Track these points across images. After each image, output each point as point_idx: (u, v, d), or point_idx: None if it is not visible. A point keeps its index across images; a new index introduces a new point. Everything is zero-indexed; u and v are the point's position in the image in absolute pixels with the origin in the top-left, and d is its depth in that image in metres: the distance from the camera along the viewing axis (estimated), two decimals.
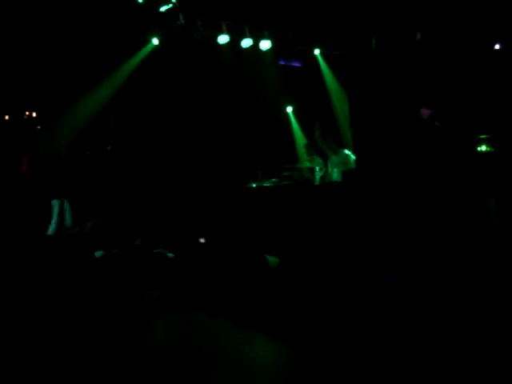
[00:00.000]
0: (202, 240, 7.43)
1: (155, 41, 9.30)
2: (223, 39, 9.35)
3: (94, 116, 9.17)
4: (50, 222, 8.34)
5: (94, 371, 3.39)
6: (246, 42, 9.54)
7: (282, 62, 10.44)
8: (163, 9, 8.43)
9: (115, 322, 4.60)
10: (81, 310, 5.02)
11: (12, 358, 3.61)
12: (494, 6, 6.29)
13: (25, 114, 9.10)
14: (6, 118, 8.98)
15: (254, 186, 7.38)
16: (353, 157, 7.44)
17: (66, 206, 8.41)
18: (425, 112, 5.51)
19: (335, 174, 6.96)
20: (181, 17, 8.81)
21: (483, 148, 5.64)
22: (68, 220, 8.36)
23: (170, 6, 8.39)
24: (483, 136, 5.73)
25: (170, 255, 7.44)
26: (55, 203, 8.34)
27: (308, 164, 7.90)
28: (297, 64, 10.67)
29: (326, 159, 7.92)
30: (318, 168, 7.14)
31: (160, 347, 3.90)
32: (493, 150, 5.42)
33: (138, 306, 5.26)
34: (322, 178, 6.95)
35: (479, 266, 4.54)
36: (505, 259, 4.57)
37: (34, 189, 8.69)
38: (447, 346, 3.53)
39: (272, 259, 6.33)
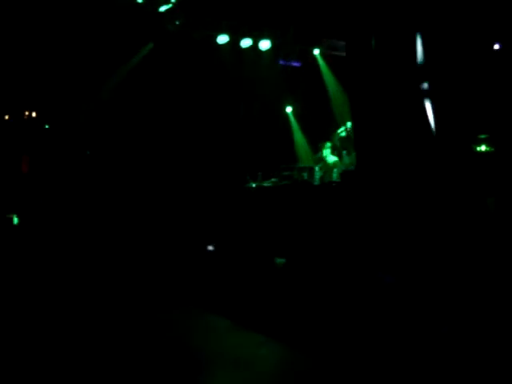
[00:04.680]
0: (211, 247, 7.37)
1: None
2: (223, 39, 9.34)
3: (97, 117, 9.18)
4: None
5: (96, 370, 3.40)
6: (246, 42, 9.53)
7: (281, 62, 10.43)
8: (163, 9, 8.42)
9: (116, 322, 4.60)
10: (83, 308, 5.03)
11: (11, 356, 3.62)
12: (493, 5, 6.29)
13: (25, 114, 9.10)
14: (6, 117, 8.98)
15: (254, 185, 7.38)
16: None
17: None
18: None
19: (335, 174, 6.96)
20: (181, 17, 8.81)
21: (483, 148, 5.64)
22: None
23: (170, 5, 8.38)
24: (483, 136, 5.73)
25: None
26: None
27: (332, 159, 7.76)
28: (297, 64, 10.66)
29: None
30: (317, 168, 7.14)
31: (160, 347, 3.90)
32: (492, 149, 5.42)
33: (139, 305, 5.26)
34: (322, 178, 6.95)
35: (479, 265, 4.54)
36: (504, 259, 4.56)
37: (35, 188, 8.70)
38: (446, 345, 3.53)
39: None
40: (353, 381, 3.20)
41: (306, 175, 7.19)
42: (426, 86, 5.54)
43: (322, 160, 7.89)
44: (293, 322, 4.33)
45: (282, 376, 3.34)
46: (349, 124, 8.20)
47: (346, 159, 7.68)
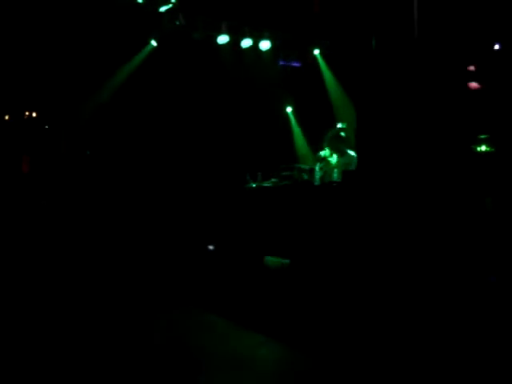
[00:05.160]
0: (211, 247, 7.38)
1: (154, 42, 9.32)
2: (223, 39, 9.35)
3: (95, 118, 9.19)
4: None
5: (95, 370, 3.40)
6: (246, 42, 9.54)
7: (281, 62, 10.44)
8: (163, 9, 8.43)
9: (116, 322, 4.60)
10: (83, 308, 5.03)
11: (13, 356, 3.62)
12: (494, 6, 6.28)
13: (25, 113, 9.10)
14: (6, 118, 8.98)
15: (254, 186, 7.37)
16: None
17: None
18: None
19: (335, 174, 6.96)
20: (181, 17, 8.82)
21: (483, 148, 5.63)
22: None
23: (170, 5, 8.39)
24: (483, 136, 5.72)
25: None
26: None
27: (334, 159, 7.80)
28: (297, 64, 10.68)
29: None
30: (317, 168, 7.14)
31: (160, 347, 3.90)
32: (492, 149, 5.41)
33: (139, 305, 5.26)
34: (322, 178, 6.95)
35: (478, 266, 4.54)
36: (503, 259, 4.56)
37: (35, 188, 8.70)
38: (445, 345, 3.53)
39: (272, 260, 6.33)
40: (353, 381, 3.20)
41: (306, 175, 7.19)
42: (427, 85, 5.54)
43: (323, 160, 7.90)
44: (293, 322, 4.33)
45: (282, 376, 3.34)
46: (339, 125, 8.23)
47: (341, 159, 7.72)
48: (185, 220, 8.09)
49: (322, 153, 7.98)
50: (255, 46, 9.64)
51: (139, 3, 8.17)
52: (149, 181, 9.04)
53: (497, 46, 6.75)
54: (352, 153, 7.72)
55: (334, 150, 7.80)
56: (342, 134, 8.07)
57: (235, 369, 3.41)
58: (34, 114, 9.10)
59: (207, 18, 9.13)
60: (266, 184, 7.28)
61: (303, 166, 7.58)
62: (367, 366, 3.33)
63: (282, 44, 10.02)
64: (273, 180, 7.33)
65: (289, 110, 11.16)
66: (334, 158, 7.79)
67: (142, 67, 9.39)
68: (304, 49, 10.36)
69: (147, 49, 9.39)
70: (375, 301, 4.51)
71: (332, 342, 3.79)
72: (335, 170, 7.04)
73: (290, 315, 4.52)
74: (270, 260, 6.38)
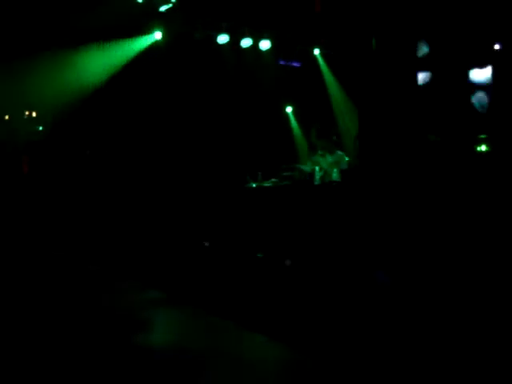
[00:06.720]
0: (207, 244, 7.40)
1: (158, 35, 8.99)
2: (223, 39, 9.35)
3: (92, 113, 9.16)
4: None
5: (93, 370, 3.40)
6: (246, 42, 9.54)
7: (281, 62, 10.45)
8: (163, 9, 8.43)
9: (115, 322, 4.60)
10: (79, 307, 5.03)
11: (10, 357, 3.62)
12: (493, 5, 6.29)
13: (25, 113, 9.10)
14: (6, 117, 8.98)
15: (254, 186, 7.38)
16: (346, 158, 7.60)
17: None
18: None
19: (335, 174, 6.97)
20: (181, 17, 8.82)
21: (483, 148, 5.64)
22: None
23: (170, 5, 8.39)
24: (483, 136, 5.73)
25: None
26: None
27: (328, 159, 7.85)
28: (297, 64, 10.69)
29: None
30: (317, 168, 7.15)
31: (160, 347, 3.90)
32: (491, 149, 5.42)
33: (138, 305, 5.26)
34: (322, 177, 6.96)
35: (476, 266, 4.54)
36: (502, 259, 4.56)
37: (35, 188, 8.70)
38: (445, 345, 3.53)
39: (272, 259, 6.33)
40: (353, 381, 3.20)
41: (306, 175, 7.20)
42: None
43: (322, 159, 7.91)
44: (293, 322, 4.33)
45: (282, 376, 3.34)
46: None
47: (329, 158, 7.76)
48: (185, 220, 8.09)
49: (320, 153, 8.02)
50: (255, 45, 9.65)
51: (139, 3, 8.17)
52: (149, 181, 9.04)
53: (497, 46, 6.76)
54: (340, 152, 7.81)
55: (323, 149, 7.84)
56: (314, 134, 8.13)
57: (235, 369, 3.41)
58: (33, 114, 9.10)
59: (207, 18, 9.13)
60: (266, 184, 7.28)
61: (303, 166, 7.58)
62: (367, 366, 3.34)
63: (281, 44, 10.03)
64: (273, 180, 7.34)
65: (289, 110, 11.16)
66: (331, 158, 7.83)
67: (143, 66, 9.37)
68: (304, 49, 10.36)
69: (148, 41, 9.22)
70: (376, 301, 4.51)
71: (332, 342, 3.79)
72: (335, 170, 7.05)
73: (291, 315, 4.52)
74: (271, 260, 6.38)
